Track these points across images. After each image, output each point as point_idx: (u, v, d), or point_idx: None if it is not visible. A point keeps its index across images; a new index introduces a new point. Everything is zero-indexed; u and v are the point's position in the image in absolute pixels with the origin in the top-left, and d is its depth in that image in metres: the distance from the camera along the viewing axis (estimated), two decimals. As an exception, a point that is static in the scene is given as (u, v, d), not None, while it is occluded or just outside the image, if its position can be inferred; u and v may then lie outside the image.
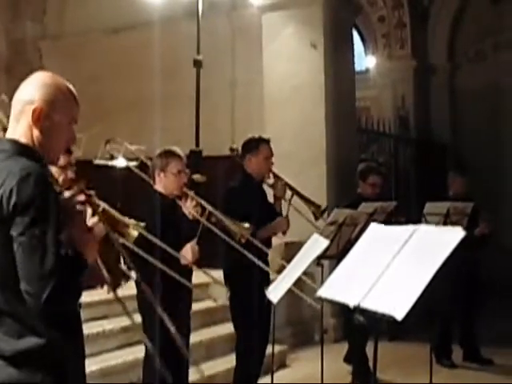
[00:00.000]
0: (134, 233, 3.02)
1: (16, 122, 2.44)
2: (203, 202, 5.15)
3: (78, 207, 2.49)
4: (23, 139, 2.41)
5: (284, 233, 6.06)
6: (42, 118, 2.41)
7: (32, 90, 2.43)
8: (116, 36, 11.59)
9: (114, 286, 2.82)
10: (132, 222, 3.04)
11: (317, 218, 6.27)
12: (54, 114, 2.43)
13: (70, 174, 3.62)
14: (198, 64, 9.64)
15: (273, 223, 5.81)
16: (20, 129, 2.43)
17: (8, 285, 2.24)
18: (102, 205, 2.82)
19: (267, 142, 5.96)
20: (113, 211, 2.89)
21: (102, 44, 11.74)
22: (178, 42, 10.66)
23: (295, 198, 6.14)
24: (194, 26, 9.66)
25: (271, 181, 6.08)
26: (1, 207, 2.23)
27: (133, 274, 2.95)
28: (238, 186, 5.90)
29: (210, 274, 5.34)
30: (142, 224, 3.19)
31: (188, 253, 4.87)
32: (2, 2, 12.16)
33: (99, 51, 11.67)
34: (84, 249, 2.37)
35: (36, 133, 2.41)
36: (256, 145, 5.91)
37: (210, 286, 7.38)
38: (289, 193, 6.08)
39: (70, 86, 2.52)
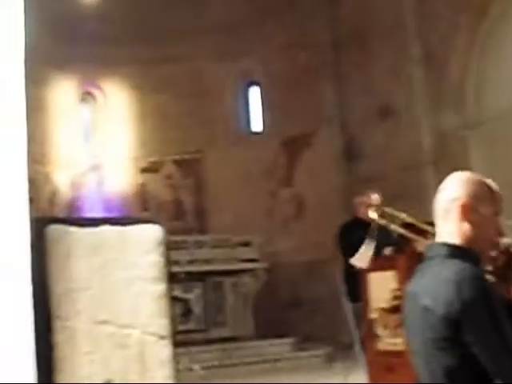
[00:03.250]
0: None
1: (443, 220, 2.55)
2: None
3: None
4: (454, 238, 2.50)
5: None
6: (469, 212, 2.48)
7: (456, 187, 2.53)
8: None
9: None
10: None
11: None
12: (479, 207, 2.50)
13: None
14: None
15: None
16: (449, 227, 2.52)
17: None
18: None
19: None
20: None
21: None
22: None
23: None
24: None
25: None
26: (445, 315, 2.30)
27: None
28: None
29: None
30: None
31: None
32: (425, 95, 12.59)
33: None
34: None
35: (465, 228, 2.49)
36: None
37: None
38: None
39: (489, 181, 2.60)
